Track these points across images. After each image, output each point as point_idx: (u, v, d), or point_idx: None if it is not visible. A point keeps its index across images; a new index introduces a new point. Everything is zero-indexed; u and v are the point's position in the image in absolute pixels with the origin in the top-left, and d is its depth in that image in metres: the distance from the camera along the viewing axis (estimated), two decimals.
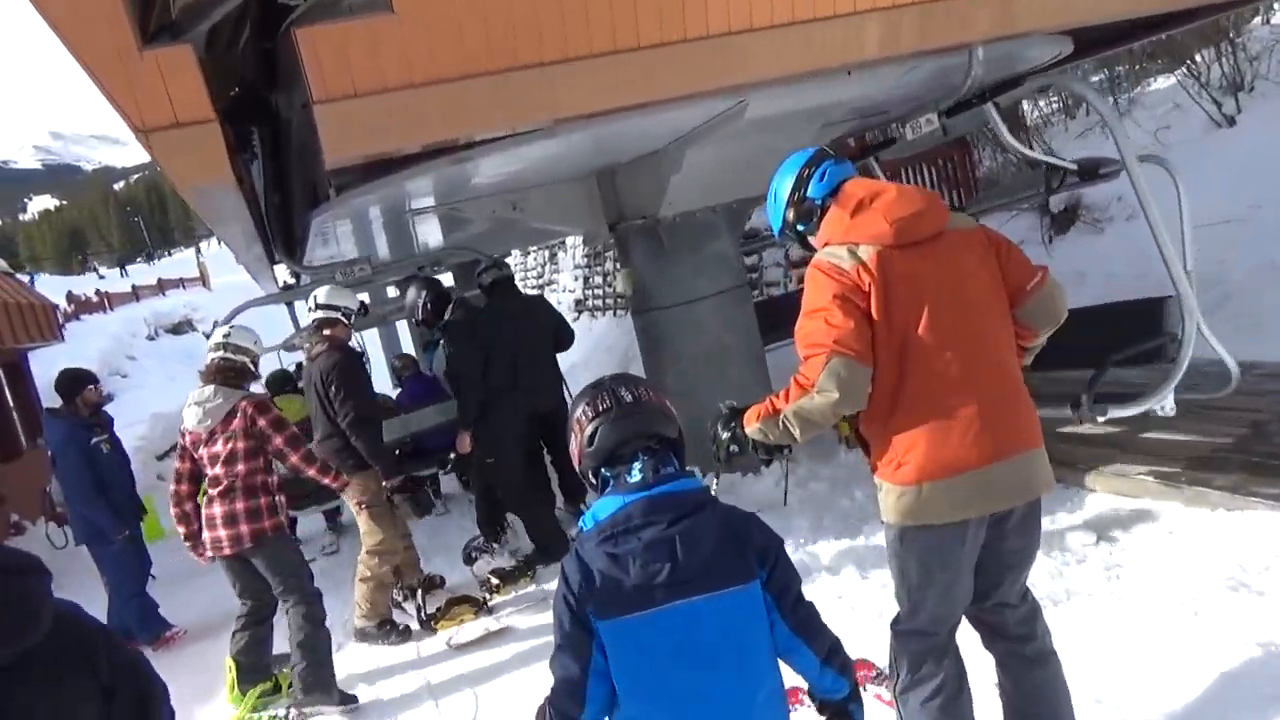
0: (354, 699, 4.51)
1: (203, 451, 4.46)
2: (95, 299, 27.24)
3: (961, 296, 2.47)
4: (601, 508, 1.91)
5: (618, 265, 17.23)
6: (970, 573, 2.55)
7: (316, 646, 4.46)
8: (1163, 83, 12.04)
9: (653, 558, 1.81)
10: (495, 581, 5.53)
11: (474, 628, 5.08)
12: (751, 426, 2.61)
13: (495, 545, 6.04)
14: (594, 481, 2.01)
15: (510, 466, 5.88)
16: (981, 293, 2.51)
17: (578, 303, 19.79)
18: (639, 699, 1.85)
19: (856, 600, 4.19)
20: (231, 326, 4.75)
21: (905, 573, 2.58)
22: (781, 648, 1.93)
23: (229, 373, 4.54)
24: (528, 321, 6.12)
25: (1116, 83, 12.47)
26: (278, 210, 7.56)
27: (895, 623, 2.69)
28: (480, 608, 5.30)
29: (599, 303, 18.55)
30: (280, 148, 6.93)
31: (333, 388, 5.02)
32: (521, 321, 6.04)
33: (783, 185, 2.73)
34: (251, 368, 4.66)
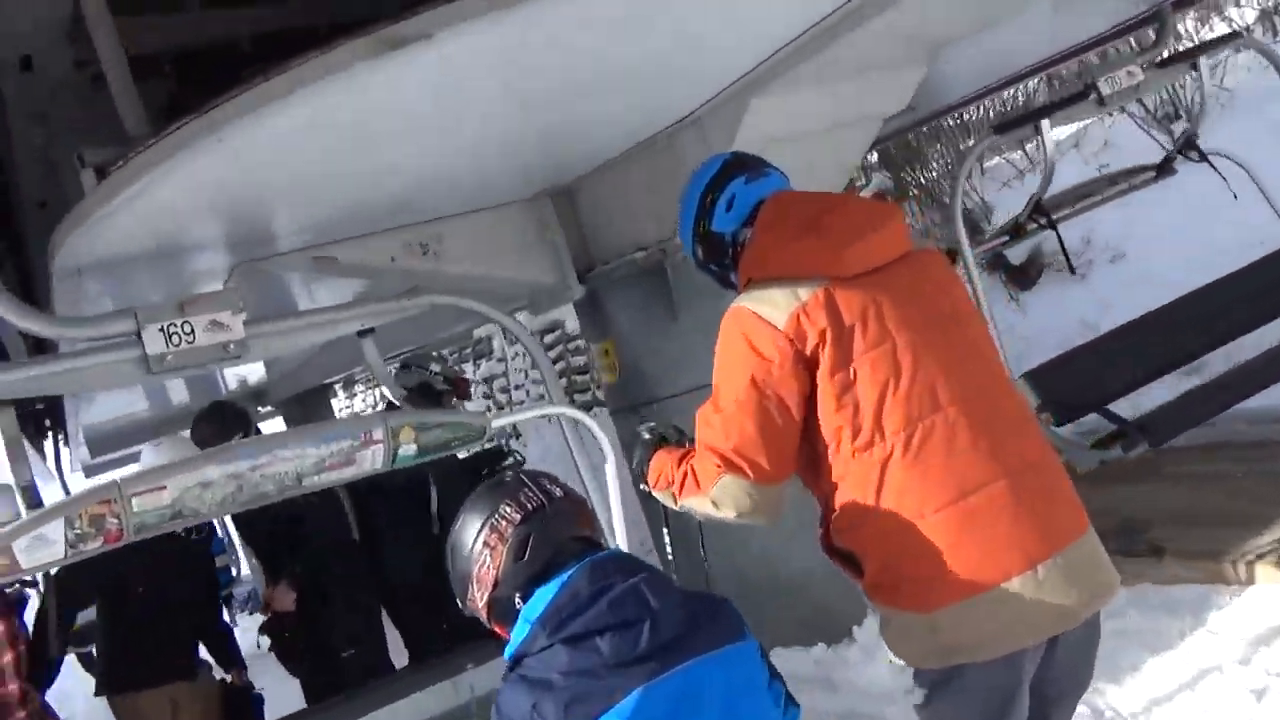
0: None
1: None
2: None
3: (950, 330, 1.94)
4: (535, 604, 1.54)
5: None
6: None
7: None
8: (1062, 131, 11.34)
9: (624, 618, 1.47)
10: None
11: None
12: (655, 490, 2.13)
13: None
14: (516, 610, 1.56)
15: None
16: (971, 322, 2.02)
17: None
18: None
19: None
20: None
21: None
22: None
23: None
24: None
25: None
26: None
27: None
28: None
29: None
30: None
31: None
32: None
33: (685, 215, 2.18)
34: None
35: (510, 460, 4.85)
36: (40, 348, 5.10)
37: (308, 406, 9.07)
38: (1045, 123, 3.86)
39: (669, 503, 2.11)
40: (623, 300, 3.98)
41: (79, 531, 1.99)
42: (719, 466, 1.92)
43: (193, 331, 2.18)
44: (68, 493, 6.87)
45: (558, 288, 3.91)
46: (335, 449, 2.23)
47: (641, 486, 2.22)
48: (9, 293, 2.30)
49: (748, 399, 1.87)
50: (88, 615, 5.25)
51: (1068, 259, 4.77)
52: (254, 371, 7.94)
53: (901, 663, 1.94)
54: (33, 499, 2.17)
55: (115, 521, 2.02)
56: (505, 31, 1.88)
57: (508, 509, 1.61)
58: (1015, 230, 4.20)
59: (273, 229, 3.11)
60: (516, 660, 1.53)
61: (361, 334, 2.65)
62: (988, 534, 1.80)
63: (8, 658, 3.31)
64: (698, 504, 2.00)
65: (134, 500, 2.02)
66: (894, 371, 1.84)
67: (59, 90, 2.87)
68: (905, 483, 1.82)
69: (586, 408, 11.16)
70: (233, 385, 8.21)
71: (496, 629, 1.66)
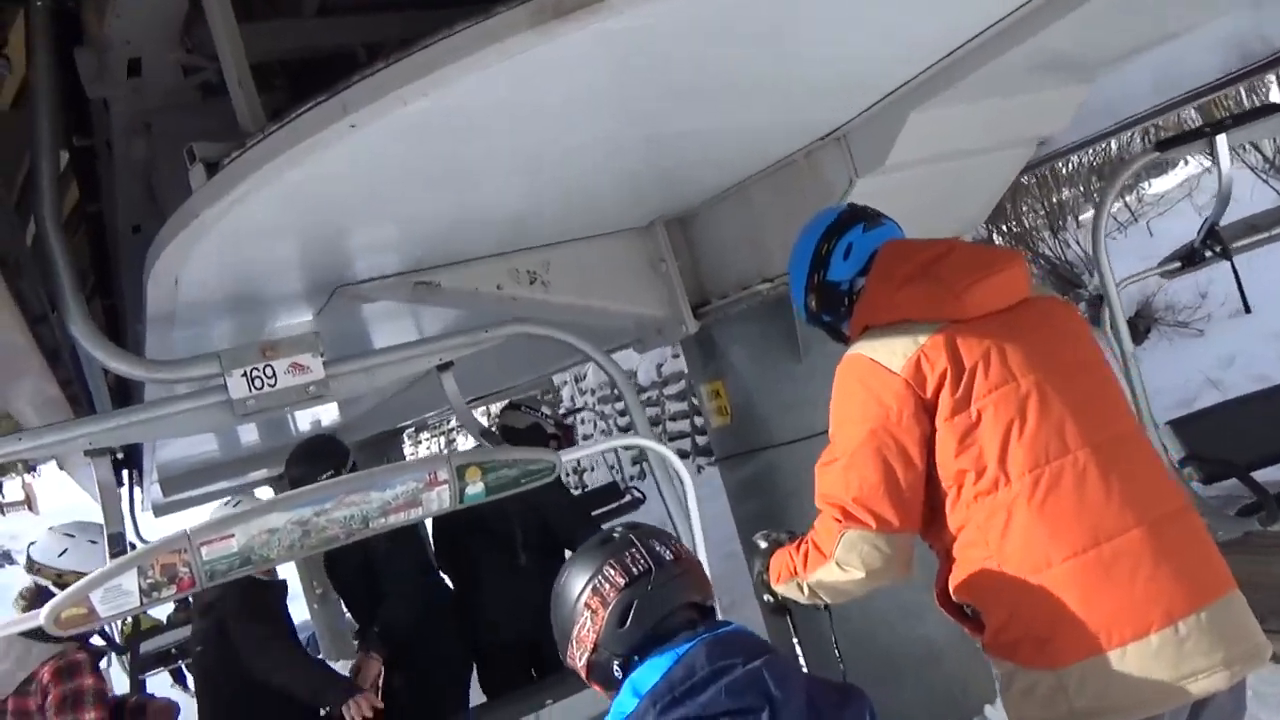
0: None
1: None
2: None
3: (1078, 376, 1.84)
4: (646, 674, 1.44)
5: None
6: None
7: None
8: (1170, 181, 10.86)
9: (742, 706, 1.36)
10: None
11: None
12: (779, 586, 2.04)
13: None
14: (618, 676, 1.49)
15: None
16: (1099, 369, 1.91)
17: None
18: None
19: None
20: (51, 530, 3.42)
21: None
22: None
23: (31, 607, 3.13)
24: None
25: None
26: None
27: None
28: None
29: None
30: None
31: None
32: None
33: (798, 266, 2.15)
34: None
35: (627, 498, 4.53)
36: (124, 397, 5.00)
37: (380, 450, 8.93)
38: (1222, 138, 3.48)
39: (796, 595, 2.01)
40: (739, 337, 3.67)
41: (152, 580, 2.04)
42: (839, 521, 1.83)
43: (274, 375, 2.22)
44: (138, 533, 6.82)
45: (669, 322, 3.63)
46: (400, 491, 2.24)
47: (765, 599, 2.13)
48: (103, 336, 2.39)
49: (867, 448, 1.81)
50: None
51: (1242, 294, 4.32)
52: (328, 414, 7.83)
53: None
54: (119, 547, 2.23)
55: (186, 570, 2.06)
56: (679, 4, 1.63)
57: (611, 571, 1.53)
58: (1187, 258, 3.80)
59: (376, 248, 2.89)
60: None
61: (441, 368, 2.62)
62: (1124, 585, 1.69)
63: (91, 715, 3.10)
64: (824, 574, 1.90)
65: (203, 549, 2.07)
66: (1019, 412, 1.76)
67: (165, 98, 2.71)
68: (1032, 528, 1.72)
69: None
70: (305, 427, 8.11)
71: (595, 687, 1.58)
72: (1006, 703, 1.83)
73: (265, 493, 8.79)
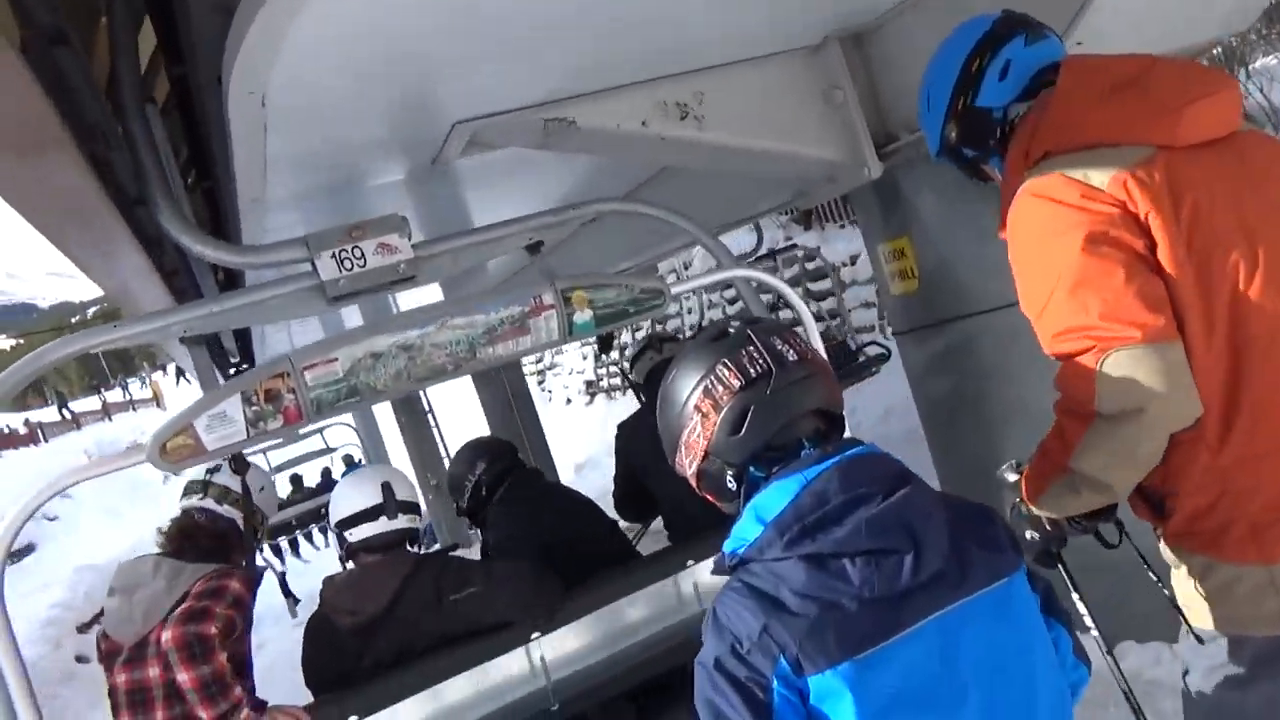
0: None
1: (119, 676, 2.62)
2: (24, 430, 23.63)
3: None
4: (770, 499, 1.29)
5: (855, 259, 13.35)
6: None
7: None
8: None
9: (884, 544, 1.21)
10: None
11: None
12: (1041, 502, 1.72)
13: None
14: (732, 487, 1.36)
15: None
16: None
17: (589, 384, 17.89)
18: None
19: None
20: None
21: None
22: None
23: (197, 536, 2.84)
24: None
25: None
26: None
27: None
28: None
29: (616, 383, 16.60)
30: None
31: None
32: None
33: (938, 87, 1.84)
34: (238, 528, 2.93)
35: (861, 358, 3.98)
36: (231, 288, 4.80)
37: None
38: None
39: (1070, 501, 1.66)
40: (931, 182, 3.02)
41: (258, 409, 1.94)
42: (1094, 348, 1.48)
43: (363, 256, 2.17)
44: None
45: (845, 166, 2.99)
46: (505, 316, 2.14)
47: (1029, 537, 1.80)
48: (191, 222, 2.37)
49: (1090, 256, 1.49)
50: None
51: None
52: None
53: (1215, 631, 1.63)
54: None
55: (292, 397, 1.96)
56: None
57: (725, 371, 1.33)
58: None
59: (498, 57, 2.34)
60: (739, 553, 1.30)
61: (531, 249, 2.47)
62: None
63: (222, 610, 2.69)
64: (1095, 437, 1.54)
65: (307, 374, 1.98)
66: (1249, 261, 1.51)
67: None
68: (1253, 401, 1.51)
69: None
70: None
71: (705, 496, 1.44)
72: (1187, 602, 1.66)
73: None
